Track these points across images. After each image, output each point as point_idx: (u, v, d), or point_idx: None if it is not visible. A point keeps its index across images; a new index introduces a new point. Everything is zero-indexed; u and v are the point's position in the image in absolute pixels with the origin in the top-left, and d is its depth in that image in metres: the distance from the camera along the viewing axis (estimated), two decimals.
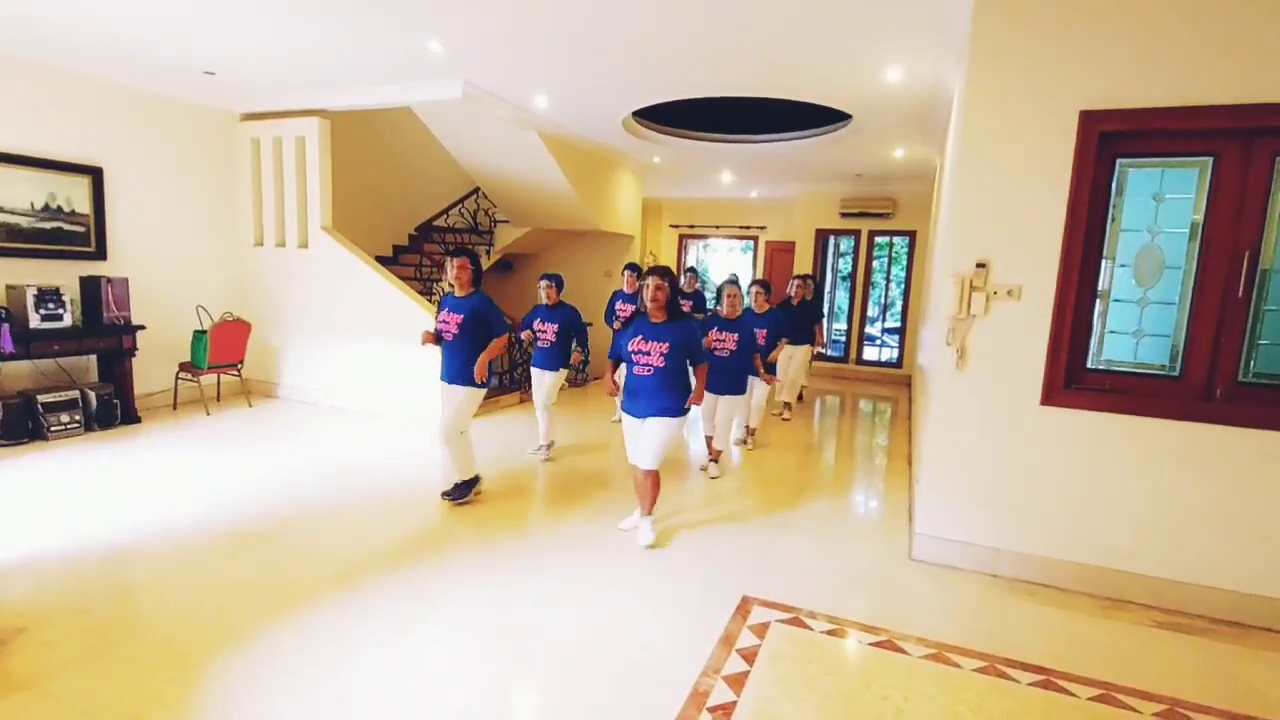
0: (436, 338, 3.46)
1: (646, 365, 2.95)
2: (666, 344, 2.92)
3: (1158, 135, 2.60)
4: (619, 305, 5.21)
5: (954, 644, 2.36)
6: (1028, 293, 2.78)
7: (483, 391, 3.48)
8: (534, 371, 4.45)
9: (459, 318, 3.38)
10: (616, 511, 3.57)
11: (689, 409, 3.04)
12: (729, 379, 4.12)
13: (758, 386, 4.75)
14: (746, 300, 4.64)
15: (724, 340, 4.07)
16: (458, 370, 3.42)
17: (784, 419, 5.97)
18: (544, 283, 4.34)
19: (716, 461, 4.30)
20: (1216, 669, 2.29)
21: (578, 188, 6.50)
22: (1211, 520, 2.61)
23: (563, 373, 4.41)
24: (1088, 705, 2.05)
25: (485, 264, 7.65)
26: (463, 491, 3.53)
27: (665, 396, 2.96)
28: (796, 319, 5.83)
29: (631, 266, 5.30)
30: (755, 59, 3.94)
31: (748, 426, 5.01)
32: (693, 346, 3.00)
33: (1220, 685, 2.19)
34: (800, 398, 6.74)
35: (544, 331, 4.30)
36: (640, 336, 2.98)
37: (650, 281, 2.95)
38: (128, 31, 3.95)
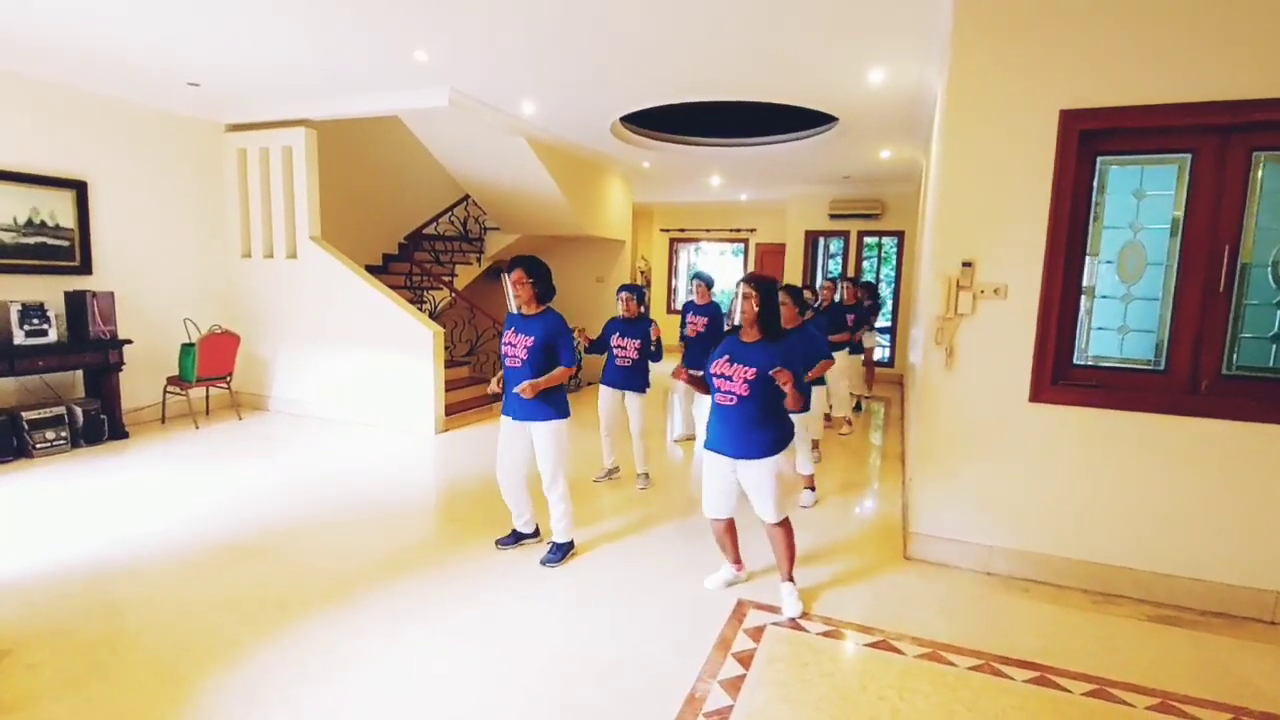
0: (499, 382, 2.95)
1: (729, 394, 2.43)
2: (754, 368, 2.38)
3: (1136, 133, 2.63)
4: (690, 318, 4.78)
5: (949, 642, 2.37)
6: (1013, 291, 2.80)
7: (567, 422, 2.91)
8: (605, 391, 4.01)
9: (529, 340, 2.79)
10: (614, 518, 3.56)
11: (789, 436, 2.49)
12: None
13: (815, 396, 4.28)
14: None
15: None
16: (532, 404, 2.81)
17: (841, 434, 5.59)
18: (624, 294, 3.95)
19: (813, 489, 3.83)
20: (1208, 661, 2.31)
21: (567, 193, 6.50)
22: (1199, 513, 2.63)
23: (647, 393, 4.07)
24: (1082, 700, 2.06)
25: (475, 272, 7.62)
26: (559, 554, 2.96)
27: (758, 431, 2.43)
28: (827, 326, 5.33)
29: (700, 276, 4.83)
30: (740, 64, 3.96)
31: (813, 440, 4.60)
32: (790, 366, 2.36)
33: (1212, 677, 2.21)
34: (858, 407, 6.37)
35: (623, 348, 3.91)
36: (725, 357, 2.47)
37: (740, 289, 2.45)
38: (110, 43, 3.93)
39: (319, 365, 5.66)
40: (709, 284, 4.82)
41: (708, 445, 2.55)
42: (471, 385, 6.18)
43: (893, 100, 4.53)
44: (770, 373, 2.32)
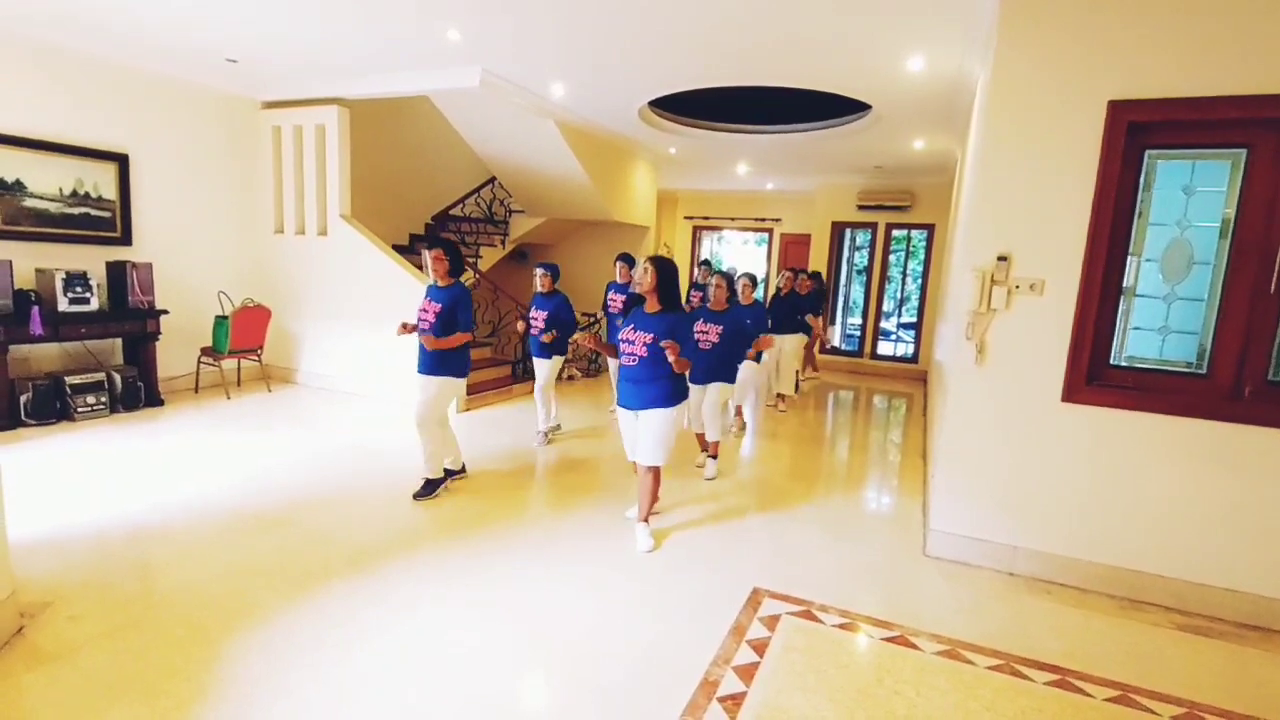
0: (414, 327, 3.41)
1: (631, 355, 2.89)
2: (651, 334, 2.85)
3: (1188, 126, 2.52)
4: (610, 295, 5.26)
5: (968, 641, 2.34)
6: (1050, 287, 2.72)
7: (461, 382, 3.43)
8: (536, 360, 4.51)
9: (438, 307, 3.34)
10: (626, 500, 3.58)
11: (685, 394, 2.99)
12: (713, 370, 3.96)
13: (742, 368, 4.62)
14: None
15: (707, 332, 3.94)
16: (434, 361, 3.34)
17: (780, 410, 6.06)
18: (539, 271, 4.41)
19: (715, 458, 4.07)
20: (1238, 673, 2.25)
21: (594, 177, 6.48)
22: (1236, 522, 2.55)
23: (557, 360, 4.45)
24: (1104, 706, 2.02)
25: (499, 254, 7.67)
26: (430, 489, 3.42)
27: (654, 386, 2.88)
28: (783, 311, 6.03)
29: (623, 257, 5.34)
30: (773, 47, 3.88)
31: (739, 408, 5.21)
32: (676, 334, 2.84)
33: (1242, 690, 2.15)
34: (796, 388, 6.80)
35: (536, 319, 4.35)
36: (631, 325, 2.94)
37: (641, 265, 2.94)
38: (153, 16, 4.00)
39: (346, 341, 5.77)
40: (629, 263, 5.18)
41: (619, 403, 3.04)
42: (493, 366, 6.23)
43: (930, 88, 4.40)
44: (662, 344, 2.74)
